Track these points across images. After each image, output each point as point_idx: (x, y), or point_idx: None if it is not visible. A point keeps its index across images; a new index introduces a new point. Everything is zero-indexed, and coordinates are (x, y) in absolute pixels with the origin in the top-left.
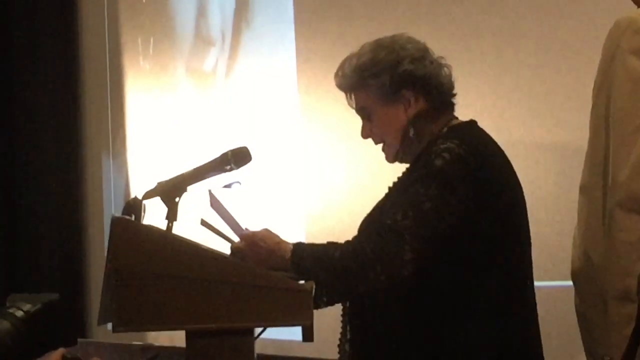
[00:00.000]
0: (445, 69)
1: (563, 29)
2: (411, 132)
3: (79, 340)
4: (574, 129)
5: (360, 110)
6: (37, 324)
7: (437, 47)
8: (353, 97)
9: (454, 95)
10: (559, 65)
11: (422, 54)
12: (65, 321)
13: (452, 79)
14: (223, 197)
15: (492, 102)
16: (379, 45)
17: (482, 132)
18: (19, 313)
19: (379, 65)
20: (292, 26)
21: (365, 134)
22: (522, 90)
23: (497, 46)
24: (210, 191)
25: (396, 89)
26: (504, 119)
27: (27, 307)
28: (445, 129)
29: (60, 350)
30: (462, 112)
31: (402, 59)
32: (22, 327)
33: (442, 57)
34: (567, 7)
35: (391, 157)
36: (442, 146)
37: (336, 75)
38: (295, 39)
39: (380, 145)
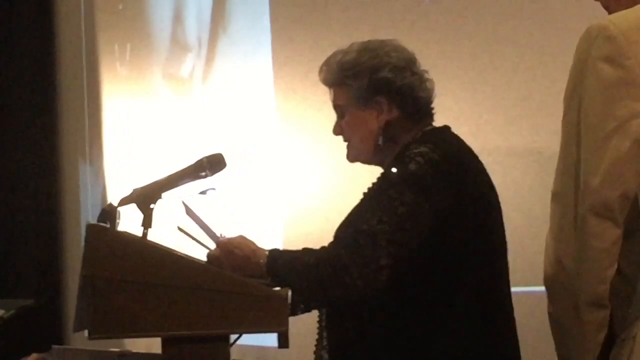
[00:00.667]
0: (428, 83)
1: (539, 34)
2: (380, 140)
3: (55, 347)
4: (550, 135)
5: (336, 107)
6: (11, 329)
7: (414, 52)
8: (332, 92)
9: (431, 110)
10: (534, 71)
11: (404, 64)
12: (40, 327)
13: (432, 95)
14: (199, 203)
15: (469, 108)
16: (365, 47)
17: (455, 136)
18: None
19: (359, 67)
20: (269, 31)
21: (336, 131)
22: (498, 96)
23: (474, 52)
24: (183, 201)
25: (371, 94)
26: (480, 124)
27: (1, 312)
28: (419, 134)
29: (34, 356)
30: (439, 117)
31: (383, 66)
32: None
33: (426, 71)
34: (542, 13)
35: (351, 157)
36: (415, 150)
37: (320, 70)
38: (272, 44)
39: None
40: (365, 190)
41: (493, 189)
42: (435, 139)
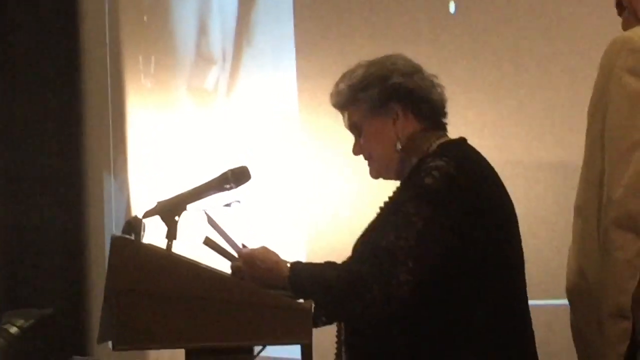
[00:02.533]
0: (438, 88)
1: (563, 48)
2: (398, 145)
3: (79, 357)
4: (574, 148)
5: (352, 128)
6: (31, 339)
7: (437, 66)
8: (346, 115)
9: (445, 114)
10: (559, 85)
11: (412, 70)
12: (63, 338)
13: (444, 99)
14: (223, 216)
15: (493, 122)
16: (371, 63)
17: (471, 149)
18: (13, 329)
19: (368, 79)
20: (293, 44)
21: (356, 151)
22: (522, 109)
23: (498, 65)
24: (205, 211)
25: (384, 101)
26: (504, 138)
27: (20, 322)
28: (434, 147)
29: None
30: (462, 130)
31: (391, 73)
32: (15, 343)
33: (434, 76)
34: (567, 27)
35: (374, 172)
36: (431, 164)
37: (331, 95)
38: (296, 57)
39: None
40: (382, 205)
41: (510, 201)
42: (451, 152)
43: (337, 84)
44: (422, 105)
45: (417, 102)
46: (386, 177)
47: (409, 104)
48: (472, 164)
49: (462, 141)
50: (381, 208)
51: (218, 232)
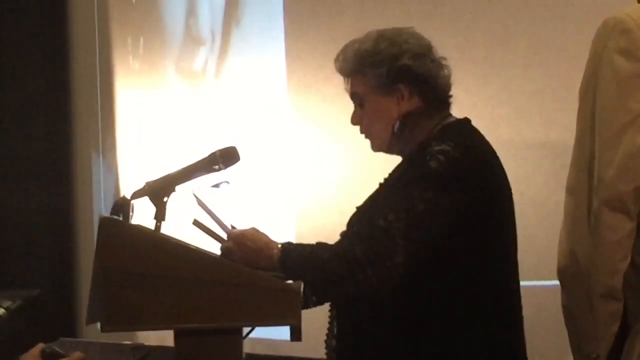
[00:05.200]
0: (446, 70)
1: (552, 28)
2: (396, 127)
3: (69, 339)
4: (563, 129)
5: (354, 96)
6: (18, 320)
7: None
8: (349, 81)
9: (450, 96)
10: (548, 65)
11: (424, 51)
12: (49, 319)
13: (450, 81)
14: (212, 196)
15: (482, 102)
16: (382, 35)
17: (475, 132)
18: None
19: (379, 56)
20: (282, 25)
21: (355, 121)
22: (511, 89)
23: (487, 45)
24: (194, 192)
25: (392, 81)
26: (493, 118)
27: (7, 303)
28: (439, 127)
29: (40, 345)
30: (452, 110)
31: (402, 53)
32: (1, 324)
33: (444, 58)
34: (556, 7)
35: (376, 147)
36: (436, 148)
37: (337, 59)
38: (285, 37)
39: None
40: (382, 181)
41: (509, 186)
42: (457, 136)
43: (344, 50)
44: (428, 88)
45: (424, 85)
46: (387, 152)
47: (416, 86)
48: (478, 150)
49: (466, 122)
50: (381, 184)
51: (207, 213)
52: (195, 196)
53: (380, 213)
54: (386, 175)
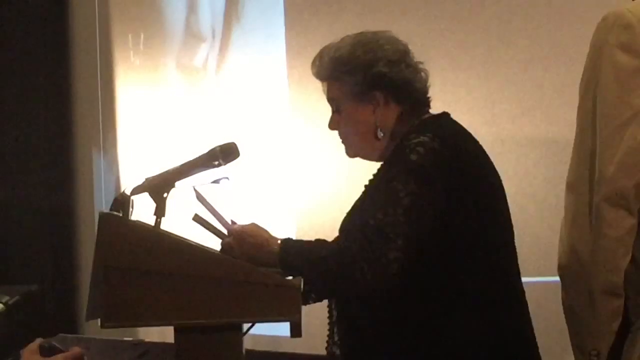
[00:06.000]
0: (422, 74)
1: (553, 25)
2: (379, 134)
3: (69, 335)
4: (564, 125)
5: (331, 101)
6: (17, 315)
7: (427, 42)
8: (326, 86)
9: (428, 98)
10: (549, 61)
11: (399, 56)
12: (49, 314)
13: (427, 85)
14: (212, 193)
15: (483, 98)
16: (358, 41)
17: (454, 122)
18: None
19: (354, 62)
20: (283, 22)
21: (332, 126)
22: (512, 86)
23: (488, 42)
24: (194, 187)
25: (368, 88)
26: (494, 114)
27: (5, 299)
28: (417, 123)
29: (38, 340)
30: (452, 106)
31: (377, 60)
32: (0, 318)
33: (420, 62)
34: (556, 3)
35: (351, 153)
36: (415, 140)
37: (313, 63)
38: (286, 34)
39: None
40: (367, 183)
41: (496, 174)
42: (434, 127)
43: (320, 55)
44: (405, 94)
45: (400, 91)
46: (363, 158)
47: (392, 92)
48: (456, 138)
49: (444, 115)
50: (366, 186)
51: (207, 208)
52: (196, 191)
53: (369, 212)
54: (371, 177)
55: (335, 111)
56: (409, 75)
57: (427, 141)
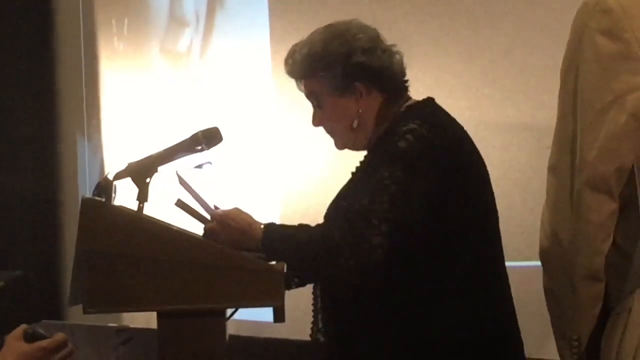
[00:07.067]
0: (397, 56)
1: (537, 9)
2: (355, 124)
3: (52, 322)
4: (548, 110)
5: (310, 96)
6: (2, 301)
7: (411, 27)
8: (302, 83)
9: (406, 81)
10: (532, 45)
11: (373, 44)
12: (33, 301)
13: (404, 66)
14: (195, 177)
15: (466, 82)
16: (330, 33)
17: (440, 109)
18: None
19: (330, 57)
20: (266, 6)
21: (316, 122)
22: (495, 70)
23: (471, 26)
24: (177, 172)
25: (348, 81)
26: (478, 99)
27: None
28: (402, 109)
29: (22, 327)
30: (435, 91)
31: (354, 51)
32: None
33: (393, 45)
34: None
35: (340, 145)
36: (404, 128)
37: (286, 62)
38: (269, 19)
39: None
40: (353, 170)
41: (482, 160)
42: (422, 114)
43: (292, 53)
44: (385, 80)
45: (381, 79)
46: (352, 149)
47: (372, 80)
48: (445, 126)
49: (430, 101)
50: (353, 173)
51: (190, 193)
52: (178, 176)
53: (355, 198)
54: (357, 164)
55: (317, 106)
56: (386, 60)
57: (415, 128)
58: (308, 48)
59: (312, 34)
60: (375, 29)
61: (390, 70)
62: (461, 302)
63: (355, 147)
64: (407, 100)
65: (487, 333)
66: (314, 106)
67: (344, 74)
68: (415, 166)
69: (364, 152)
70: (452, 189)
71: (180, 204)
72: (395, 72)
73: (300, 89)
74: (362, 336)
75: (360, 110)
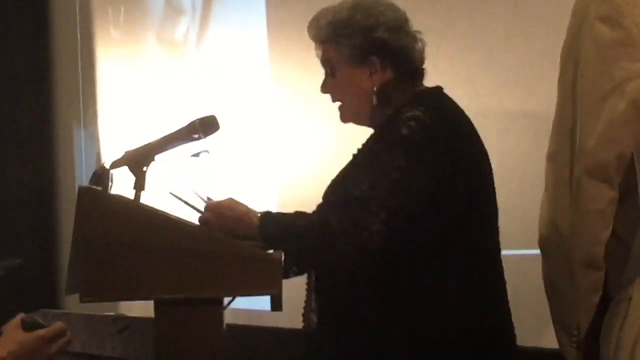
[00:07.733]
0: (420, 43)
1: None
2: (374, 101)
3: (50, 311)
4: (545, 98)
5: (326, 63)
6: (1, 289)
7: (408, 15)
8: (322, 47)
9: (424, 69)
10: (530, 33)
11: (399, 24)
12: (30, 289)
13: (424, 55)
14: (193, 166)
15: (464, 70)
16: (358, 4)
17: (447, 98)
18: None
19: (354, 26)
20: None
21: (325, 89)
22: (493, 58)
23: (469, 14)
24: (171, 193)
25: (366, 53)
26: (475, 87)
27: None
28: (410, 95)
29: (20, 315)
30: (433, 80)
31: (378, 25)
32: None
33: (418, 32)
34: None
35: (345, 118)
36: (408, 114)
37: (310, 25)
38: (266, 7)
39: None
40: (355, 152)
41: (485, 151)
42: (428, 102)
43: (318, 16)
44: (402, 60)
45: (398, 58)
46: (357, 123)
47: (389, 58)
48: (449, 114)
49: (438, 90)
50: (354, 155)
51: (184, 203)
52: (172, 194)
53: (355, 183)
54: (359, 147)
55: (330, 74)
56: (408, 44)
57: (419, 115)
58: (333, 15)
59: (340, 2)
60: (404, 12)
61: (409, 54)
62: (457, 292)
63: (361, 122)
64: (417, 86)
65: (481, 325)
66: (326, 74)
67: (363, 46)
68: (416, 154)
69: (364, 140)
70: (452, 178)
71: (173, 195)
72: (415, 57)
73: (317, 54)
74: (355, 319)
75: (372, 85)
